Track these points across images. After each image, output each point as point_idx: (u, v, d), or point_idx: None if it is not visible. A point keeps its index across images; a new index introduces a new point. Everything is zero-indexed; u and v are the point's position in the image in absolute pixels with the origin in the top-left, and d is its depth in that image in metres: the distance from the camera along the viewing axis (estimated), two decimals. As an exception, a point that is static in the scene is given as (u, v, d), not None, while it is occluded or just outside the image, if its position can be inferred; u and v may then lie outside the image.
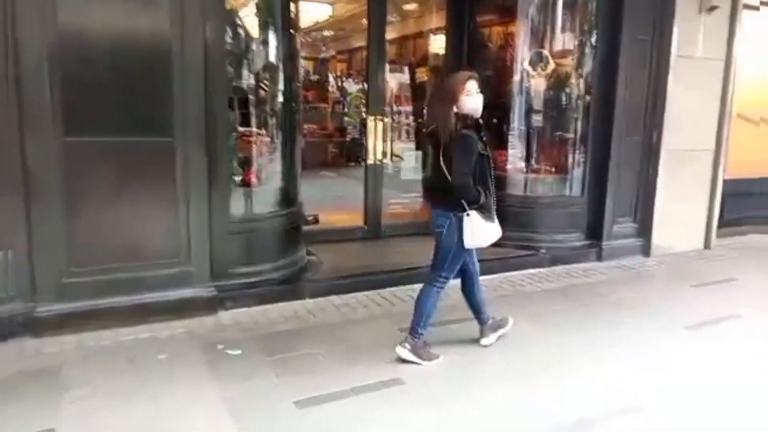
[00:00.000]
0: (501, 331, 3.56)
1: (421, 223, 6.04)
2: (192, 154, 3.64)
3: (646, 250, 5.74)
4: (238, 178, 4.14)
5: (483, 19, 5.91)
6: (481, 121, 3.07)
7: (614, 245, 5.59)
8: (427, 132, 3.22)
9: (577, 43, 5.51)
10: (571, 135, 5.64)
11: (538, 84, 5.65)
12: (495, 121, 5.78)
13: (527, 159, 5.74)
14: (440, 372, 3.20)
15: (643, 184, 5.64)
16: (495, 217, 3.14)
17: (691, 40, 5.57)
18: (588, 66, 5.45)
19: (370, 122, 5.46)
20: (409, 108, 6.73)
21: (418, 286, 4.50)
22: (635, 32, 5.25)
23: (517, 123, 5.70)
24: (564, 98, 5.64)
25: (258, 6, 4.38)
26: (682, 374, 3.28)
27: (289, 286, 4.23)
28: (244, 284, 4.01)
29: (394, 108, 6.53)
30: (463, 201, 2.99)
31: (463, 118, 3.00)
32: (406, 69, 7.38)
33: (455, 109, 3.00)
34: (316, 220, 5.49)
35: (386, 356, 3.32)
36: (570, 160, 5.65)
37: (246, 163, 4.25)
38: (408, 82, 7.29)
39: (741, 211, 6.87)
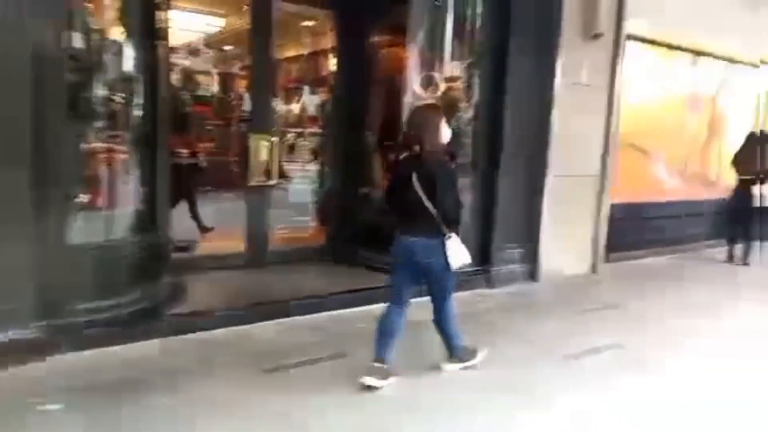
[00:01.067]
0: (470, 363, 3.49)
1: (311, 249, 5.74)
2: (14, 172, 3.13)
3: (534, 275, 5.71)
4: (80, 200, 3.64)
5: (376, 40, 5.75)
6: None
7: (504, 271, 5.52)
8: (400, 160, 3.31)
9: (466, 66, 5.45)
10: (461, 159, 5.53)
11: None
12: (389, 144, 5.63)
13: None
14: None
15: (531, 209, 5.63)
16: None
17: (577, 67, 5.67)
18: (476, 90, 5.38)
19: (253, 141, 5.10)
20: (305, 128, 6.42)
21: (296, 319, 4.21)
22: (522, 57, 5.26)
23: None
24: (454, 122, 5.53)
25: (113, 9, 3.93)
26: (559, 406, 3.15)
27: (143, 324, 3.75)
28: (84, 323, 3.49)
29: (289, 127, 6.21)
30: (442, 225, 3.10)
31: (447, 150, 3.22)
32: (300, 88, 7.10)
33: (438, 138, 3.15)
34: (190, 247, 5.03)
35: (241, 407, 2.93)
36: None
37: (92, 183, 3.76)
38: (303, 101, 7.00)
39: (631, 235, 7.08)
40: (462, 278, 5.23)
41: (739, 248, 7.22)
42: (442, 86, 5.51)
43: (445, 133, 3.20)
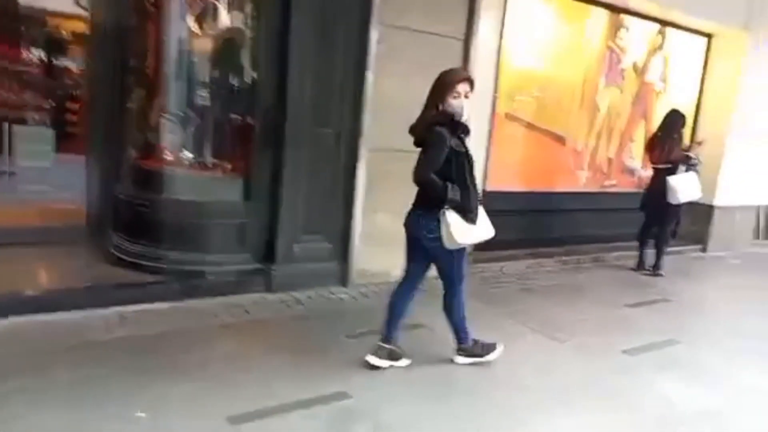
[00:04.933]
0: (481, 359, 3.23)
1: (58, 230, 4.44)
2: None
3: (343, 278, 4.38)
4: None
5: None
6: (462, 119, 2.89)
7: (295, 271, 4.19)
8: (410, 129, 3.04)
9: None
10: (246, 119, 4.20)
11: (205, 47, 4.18)
12: (146, 93, 4.28)
13: (188, 149, 4.25)
14: None
15: (340, 192, 4.29)
16: (479, 216, 2.97)
17: (408, 7, 4.26)
18: (258, 33, 4.01)
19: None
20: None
21: None
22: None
23: (176, 100, 4.19)
24: (237, 69, 4.19)
25: None
26: None
27: None
28: None
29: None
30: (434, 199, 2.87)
31: (441, 115, 2.88)
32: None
33: (440, 107, 2.90)
34: None
35: None
36: (239, 152, 4.21)
37: None
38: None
39: (511, 232, 5.69)
40: (232, 278, 4.07)
41: (651, 254, 5.86)
42: (226, 18, 4.15)
43: (452, 105, 2.86)
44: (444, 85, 2.91)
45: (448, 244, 2.91)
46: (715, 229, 7.09)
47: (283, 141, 4.00)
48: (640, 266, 5.90)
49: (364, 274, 4.45)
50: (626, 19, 6.23)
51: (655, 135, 5.72)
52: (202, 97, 4.19)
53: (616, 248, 6.35)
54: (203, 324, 3.53)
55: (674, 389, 3.20)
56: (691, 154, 5.53)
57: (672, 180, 5.38)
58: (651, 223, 5.81)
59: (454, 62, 4.59)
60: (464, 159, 2.91)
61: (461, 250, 3.01)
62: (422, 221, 2.97)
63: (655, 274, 5.75)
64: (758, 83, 6.87)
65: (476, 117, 4.69)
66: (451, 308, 3.16)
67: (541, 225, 6.05)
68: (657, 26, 6.57)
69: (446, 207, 2.86)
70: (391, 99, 4.29)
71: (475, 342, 3.26)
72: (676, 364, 3.53)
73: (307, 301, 4.05)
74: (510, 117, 5.59)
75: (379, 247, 4.48)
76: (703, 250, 7.11)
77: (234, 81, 4.19)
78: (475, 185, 2.95)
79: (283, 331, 3.56)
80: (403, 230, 4.66)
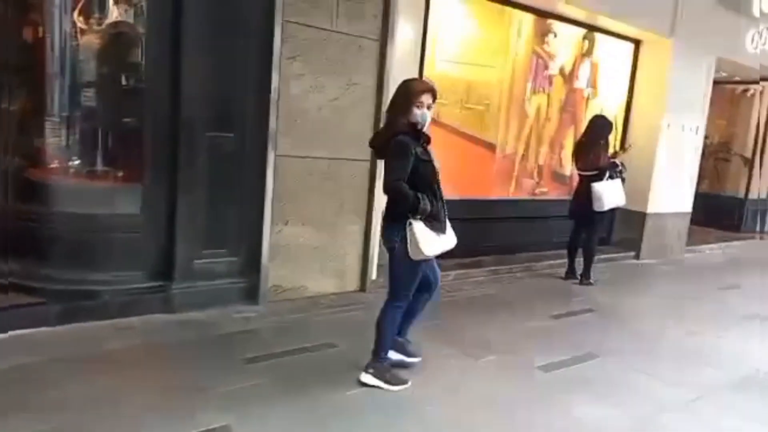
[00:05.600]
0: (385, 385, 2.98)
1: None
2: None
3: (253, 295, 4.07)
4: None
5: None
6: (423, 128, 2.87)
7: (197, 289, 3.85)
8: (371, 141, 3.10)
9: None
10: (140, 123, 3.83)
11: (92, 44, 3.80)
12: (28, 94, 3.85)
13: (75, 156, 3.85)
14: None
15: (247, 202, 3.98)
16: (446, 226, 2.92)
17: (317, 4, 4.01)
18: (150, 21, 3.67)
19: None
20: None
21: None
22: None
23: (60, 102, 3.79)
24: (128, 68, 3.84)
25: None
26: None
27: None
28: None
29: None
30: (404, 209, 2.80)
31: (403, 125, 2.83)
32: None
33: (402, 118, 2.84)
34: None
35: None
36: (132, 159, 3.84)
37: None
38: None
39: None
40: (125, 298, 3.69)
41: (581, 262, 5.77)
42: (116, 12, 3.79)
43: (416, 115, 2.82)
44: (408, 94, 2.86)
45: (414, 256, 2.80)
46: (647, 236, 7.11)
47: (178, 146, 3.67)
48: (569, 275, 5.82)
49: (277, 290, 4.16)
50: (554, 24, 6.18)
51: (580, 141, 5.65)
52: (91, 98, 3.81)
53: (547, 256, 6.27)
54: (83, 352, 3.14)
55: (584, 409, 3.02)
56: (617, 160, 5.49)
57: (596, 187, 5.32)
58: (580, 230, 5.73)
59: (368, 64, 4.39)
60: (430, 167, 2.85)
61: (416, 268, 2.89)
62: (388, 232, 2.89)
63: (584, 283, 5.67)
64: (684, 89, 6.97)
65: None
66: (383, 320, 3.00)
67: (470, 234, 5.81)
68: (585, 32, 6.54)
69: (416, 217, 2.77)
70: (301, 101, 4.05)
71: (389, 368, 3.06)
72: (590, 382, 3.36)
73: (209, 322, 3.71)
74: (434, 122, 5.39)
75: (292, 261, 4.22)
76: (637, 257, 7.12)
77: (125, 80, 3.83)
78: (441, 194, 2.91)
79: (173, 357, 3.21)
80: (319, 242, 4.46)
